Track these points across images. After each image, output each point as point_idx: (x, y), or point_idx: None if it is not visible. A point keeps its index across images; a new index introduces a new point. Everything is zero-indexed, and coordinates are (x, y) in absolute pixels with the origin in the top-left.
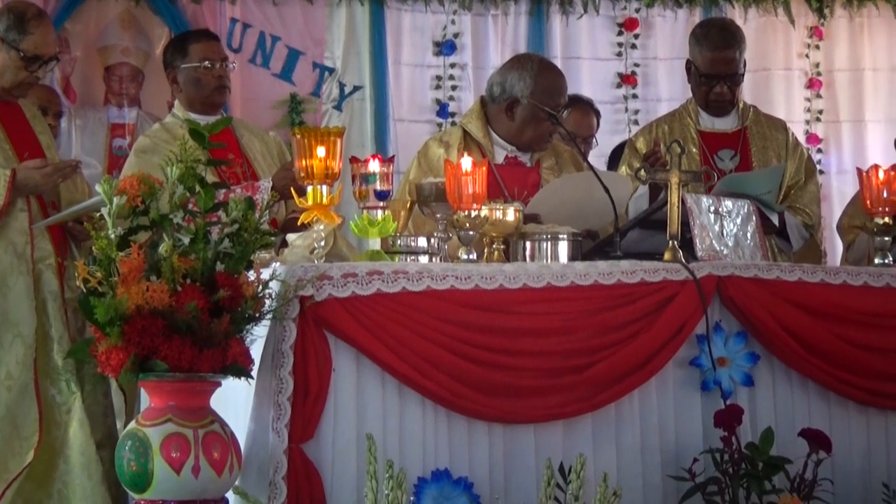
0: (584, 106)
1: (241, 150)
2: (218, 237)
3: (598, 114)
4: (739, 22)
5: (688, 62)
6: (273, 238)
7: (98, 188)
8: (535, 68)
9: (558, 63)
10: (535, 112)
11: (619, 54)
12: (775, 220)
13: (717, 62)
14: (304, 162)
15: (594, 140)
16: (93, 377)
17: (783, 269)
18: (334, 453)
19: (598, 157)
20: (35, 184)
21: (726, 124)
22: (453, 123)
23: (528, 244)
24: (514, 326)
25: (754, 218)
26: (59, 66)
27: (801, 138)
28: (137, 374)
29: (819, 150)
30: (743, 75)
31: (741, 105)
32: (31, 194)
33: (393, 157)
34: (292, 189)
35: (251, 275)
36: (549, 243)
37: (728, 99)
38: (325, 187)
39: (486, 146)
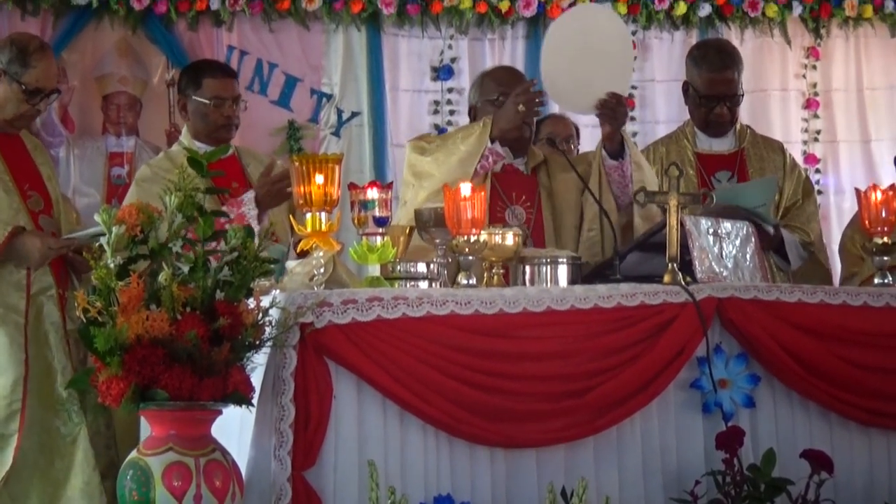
0: (558, 114)
1: (247, 179)
2: (217, 265)
3: (575, 124)
4: (736, 43)
5: (685, 84)
6: (273, 266)
7: (97, 217)
8: (483, 73)
9: None
10: (486, 106)
11: None
12: (770, 231)
13: (716, 83)
14: (302, 189)
15: (576, 141)
16: (94, 408)
17: (783, 291)
18: (336, 480)
19: None
20: (27, 252)
21: (723, 146)
22: None
23: (527, 268)
24: (514, 351)
25: (753, 239)
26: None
27: (799, 159)
28: (138, 404)
29: (817, 171)
30: (742, 96)
31: (738, 126)
32: (21, 261)
33: (391, 183)
34: (286, 193)
35: (251, 302)
36: (549, 267)
37: (728, 119)
38: (324, 214)
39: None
